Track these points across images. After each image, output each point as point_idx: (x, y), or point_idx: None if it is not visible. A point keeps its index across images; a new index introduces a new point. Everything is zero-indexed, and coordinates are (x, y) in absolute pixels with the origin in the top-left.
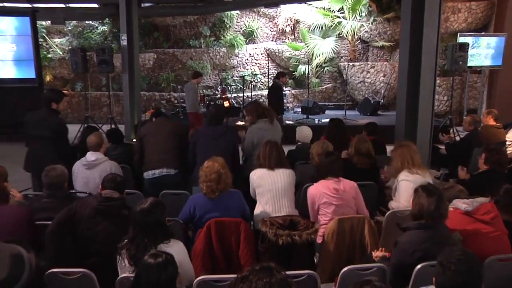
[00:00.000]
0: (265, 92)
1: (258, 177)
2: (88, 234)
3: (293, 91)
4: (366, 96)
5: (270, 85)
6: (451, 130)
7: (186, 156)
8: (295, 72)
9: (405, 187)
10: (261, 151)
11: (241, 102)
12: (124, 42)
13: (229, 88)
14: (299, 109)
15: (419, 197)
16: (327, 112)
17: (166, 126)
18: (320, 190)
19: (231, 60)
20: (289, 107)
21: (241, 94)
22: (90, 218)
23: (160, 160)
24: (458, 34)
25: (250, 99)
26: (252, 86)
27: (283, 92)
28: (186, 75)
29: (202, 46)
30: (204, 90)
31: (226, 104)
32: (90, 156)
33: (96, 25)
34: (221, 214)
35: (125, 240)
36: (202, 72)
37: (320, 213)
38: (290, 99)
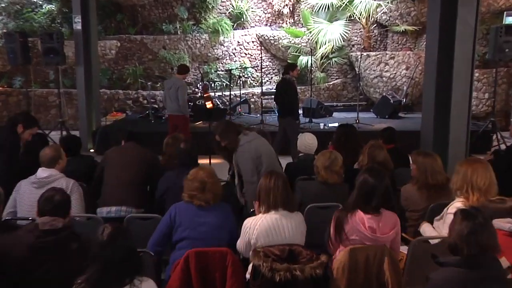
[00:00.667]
0: (258, 90)
1: (261, 230)
2: (24, 282)
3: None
4: (384, 94)
5: (278, 81)
6: (495, 137)
7: (155, 193)
8: None
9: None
10: (263, 186)
11: (227, 103)
12: (77, 26)
13: (213, 85)
14: (300, 111)
15: (455, 222)
16: (335, 114)
17: (134, 154)
18: (353, 224)
19: (215, 50)
20: None
21: (227, 93)
22: (26, 261)
23: (120, 195)
24: (505, 13)
25: (238, 99)
26: (241, 82)
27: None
28: (158, 68)
29: (178, 32)
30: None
31: (209, 105)
32: (42, 172)
33: (40, 2)
34: (206, 229)
35: (79, 281)
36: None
37: (343, 244)
38: None
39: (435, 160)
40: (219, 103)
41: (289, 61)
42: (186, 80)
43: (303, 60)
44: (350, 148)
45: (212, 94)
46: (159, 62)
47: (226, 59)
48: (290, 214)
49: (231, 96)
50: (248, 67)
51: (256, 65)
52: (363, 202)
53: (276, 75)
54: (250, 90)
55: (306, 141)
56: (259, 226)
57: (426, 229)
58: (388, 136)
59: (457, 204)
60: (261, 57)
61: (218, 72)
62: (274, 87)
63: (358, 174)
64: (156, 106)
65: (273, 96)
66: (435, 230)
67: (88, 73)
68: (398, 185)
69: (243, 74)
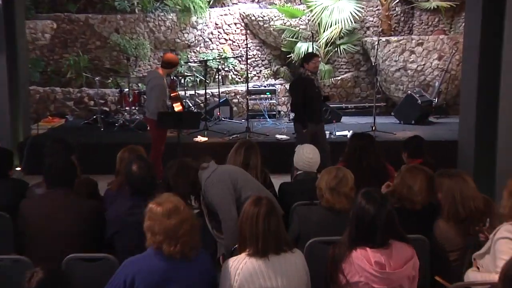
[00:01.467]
0: (242, 88)
1: (245, 275)
2: None
3: (287, 85)
4: (409, 92)
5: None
6: None
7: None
8: (291, 54)
9: (507, 249)
10: (247, 226)
11: (202, 104)
12: None
13: (182, 81)
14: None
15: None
16: (344, 119)
17: (64, 212)
18: (354, 262)
19: (185, 35)
20: (281, 112)
21: (202, 91)
22: None
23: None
24: None
25: (217, 99)
26: (220, 77)
27: (315, 88)
28: (110, 58)
29: (136, 11)
30: (139, 85)
31: (177, 107)
32: None
33: None
34: None
35: None
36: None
37: None
38: (282, 98)
39: (464, 181)
40: (191, 104)
41: (283, 48)
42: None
43: (302, 48)
44: (367, 165)
45: (182, 93)
46: (111, 50)
47: (200, 47)
48: (285, 254)
49: (207, 96)
50: (229, 57)
51: (239, 54)
52: (363, 237)
53: (266, 68)
54: (232, 87)
55: (305, 156)
56: (242, 271)
57: (471, 276)
58: (415, 148)
59: (509, 227)
60: (247, 44)
61: (189, 63)
62: (264, 84)
63: (354, 200)
64: (107, 109)
65: (262, 96)
66: (482, 271)
67: (12, 65)
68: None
69: (223, 66)
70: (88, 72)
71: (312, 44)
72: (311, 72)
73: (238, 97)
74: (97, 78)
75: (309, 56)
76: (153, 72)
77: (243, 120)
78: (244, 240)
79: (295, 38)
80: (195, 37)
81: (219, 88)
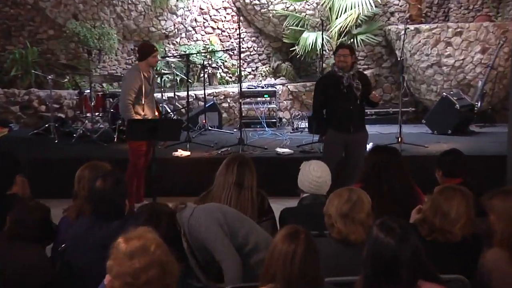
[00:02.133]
0: (234, 89)
1: None
2: None
3: (290, 86)
4: (444, 94)
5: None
6: None
7: None
8: (296, 47)
9: None
10: (278, 260)
11: (183, 110)
12: None
13: (159, 81)
14: (304, 124)
15: None
16: None
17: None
18: None
19: (162, 22)
20: (283, 120)
21: (183, 93)
22: None
23: None
24: None
25: (202, 103)
26: (206, 76)
27: (343, 88)
28: (66, 52)
29: None
30: (103, 85)
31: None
32: None
33: None
34: None
35: None
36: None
37: None
38: (284, 102)
39: None
40: (169, 110)
41: (285, 40)
42: (111, 71)
43: (309, 39)
44: (389, 187)
45: (158, 95)
46: (67, 41)
47: (181, 38)
48: None
49: (190, 99)
50: (217, 51)
51: (231, 47)
52: (383, 279)
53: (264, 63)
54: (222, 88)
55: (312, 174)
56: None
57: None
58: (451, 165)
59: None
60: (239, 34)
61: (167, 58)
62: (262, 84)
63: (368, 233)
64: (63, 115)
65: (259, 99)
66: None
67: None
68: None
69: (210, 62)
70: (38, 69)
71: (322, 34)
72: (339, 67)
73: (229, 100)
74: (49, 77)
75: (336, 48)
76: (133, 66)
77: (235, 130)
78: (269, 276)
79: (301, 27)
80: (174, 25)
81: (204, 89)
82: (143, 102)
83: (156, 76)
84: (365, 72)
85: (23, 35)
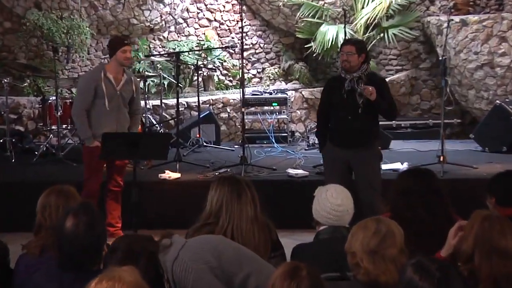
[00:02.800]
0: (235, 96)
1: None
2: None
3: (304, 92)
4: (498, 102)
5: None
6: None
7: None
8: (312, 43)
9: None
10: None
11: (172, 122)
12: None
13: (142, 85)
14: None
15: None
16: (395, 144)
17: None
18: None
19: (146, 13)
20: (296, 134)
21: (172, 100)
22: None
23: None
24: None
25: (195, 113)
26: (201, 79)
27: (343, 93)
28: (26, 49)
29: None
30: (73, 90)
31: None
32: None
33: None
34: None
35: None
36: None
37: None
38: (297, 112)
39: None
40: (154, 122)
41: (298, 34)
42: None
43: (329, 34)
44: (422, 219)
45: (142, 103)
46: (28, 36)
47: (170, 32)
48: None
49: (181, 108)
50: (215, 48)
51: (231, 43)
52: None
53: (273, 64)
54: (220, 95)
55: (330, 201)
56: None
57: None
58: (508, 191)
59: None
60: (242, 28)
61: (152, 57)
62: (270, 90)
63: (400, 274)
64: (22, 128)
65: (266, 108)
66: None
67: None
68: None
69: (205, 62)
70: None
71: (344, 27)
72: (342, 68)
73: (228, 109)
74: (5, 80)
75: (340, 45)
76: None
77: (236, 146)
78: None
79: (318, 18)
80: (161, 16)
81: (198, 96)
82: (107, 108)
83: (139, 79)
84: (397, 75)
85: None
